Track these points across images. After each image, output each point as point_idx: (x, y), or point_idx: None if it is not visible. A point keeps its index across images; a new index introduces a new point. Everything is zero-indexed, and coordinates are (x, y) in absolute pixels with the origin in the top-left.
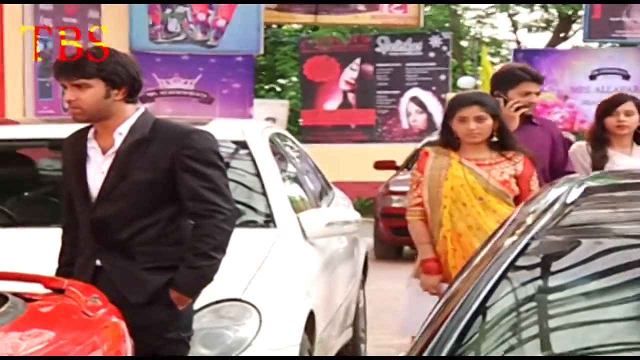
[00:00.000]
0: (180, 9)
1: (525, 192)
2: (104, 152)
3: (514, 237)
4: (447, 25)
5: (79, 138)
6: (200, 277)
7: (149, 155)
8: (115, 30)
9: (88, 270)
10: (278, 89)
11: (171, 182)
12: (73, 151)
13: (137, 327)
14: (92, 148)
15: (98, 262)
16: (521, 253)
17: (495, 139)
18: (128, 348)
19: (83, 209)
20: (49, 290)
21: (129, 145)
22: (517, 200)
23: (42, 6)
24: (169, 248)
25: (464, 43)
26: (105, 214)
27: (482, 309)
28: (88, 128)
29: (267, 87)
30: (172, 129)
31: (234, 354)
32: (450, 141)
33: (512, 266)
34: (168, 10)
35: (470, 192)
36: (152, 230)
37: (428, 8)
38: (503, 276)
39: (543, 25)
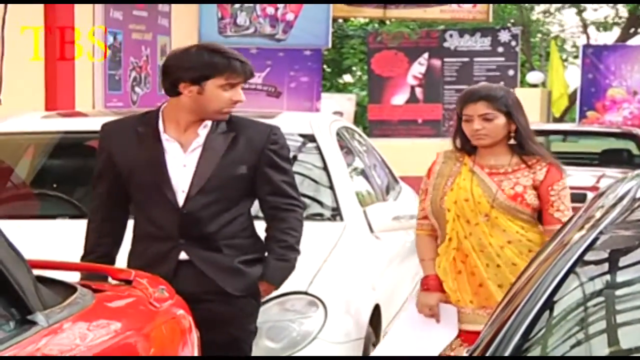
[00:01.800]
0: (249, 2)
1: (544, 203)
2: (182, 145)
3: (582, 232)
4: (514, 20)
5: (145, 131)
6: (289, 269)
7: (237, 149)
8: (185, 23)
9: (169, 264)
10: (343, 83)
11: (253, 177)
12: (141, 144)
13: (222, 318)
14: (167, 141)
15: (183, 256)
16: (589, 247)
17: (513, 141)
18: (194, 340)
19: (161, 203)
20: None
21: (216, 139)
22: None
23: None
24: (248, 240)
25: (532, 38)
26: (196, 208)
27: (549, 304)
28: (137, 118)
29: (332, 81)
30: (253, 124)
31: (299, 347)
32: (464, 144)
33: (580, 261)
34: (237, 4)
35: (475, 208)
36: (236, 223)
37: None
38: (571, 271)
39: (612, 21)
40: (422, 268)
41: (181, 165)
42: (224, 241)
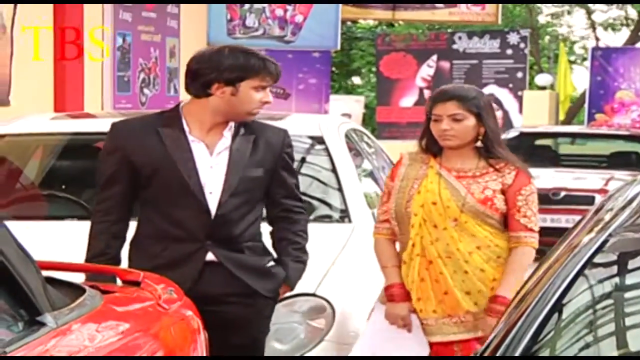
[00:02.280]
0: (258, 4)
1: (510, 208)
2: (208, 146)
3: (592, 234)
4: (523, 22)
5: (169, 132)
6: (303, 271)
7: (258, 152)
8: (194, 25)
9: (195, 265)
10: (352, 84)
11: (269, 179)
12: (165, 144)
13: (245, 320)
14: (193, 142)
15: (209, 257)
16: (599, 250)
17: (480, 144)
18: (202, 342)
19: (187, 204)
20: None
21: (241, 142)
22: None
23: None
24: (261, 243)
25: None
26: (228, 210)
27: (558, 306)
28: (154, 118)
29: (340, 83)
30: (268, 127)
31: (307, 349)
32: (430, 145)
33: (590, 263)
34: (246, 6)
35: (443, 212)
36: (255, 225)
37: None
38: (580, 273)
39: (621, 22)
40: (385, 276)
41: (208, 166)
42: (246, 243)
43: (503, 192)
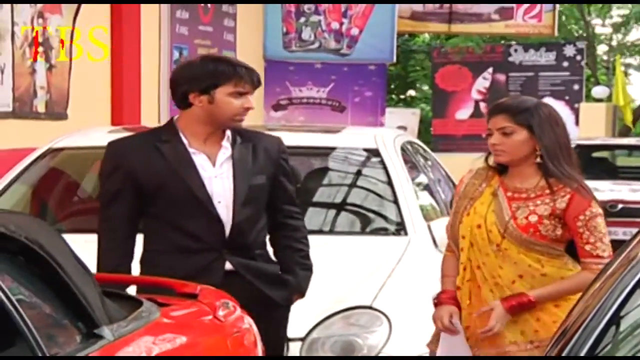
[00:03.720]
0: (314, 17)
1: (574, 235)
2: (209, 157)
3: None
4: (578, 34)
5: (168, 146)
6: (310, 278)
7: (259, 160)
8: (250, 38)
9: (215, 275)
10: (408, 99)
11: (271, 186)
12: (167, 159)
13: (265, 329)
14: (194, 154)
15: (227, 266)
16: None
17: (539, 160)
18: (259, 354)
19: (198, 215)
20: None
21: (241, 150)
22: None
23: (178, 14)
24: (266, 250)
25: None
26: (242, 218)
27: (616, 319)
28: (151, 134)
29: (397, 96)
30: (262, 135)
31: None
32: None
33: None
34: (302, 19)
35: (486, 237)
36: (263, 233)
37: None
38: (638, 285)
39: None
40: (441, 285)
41: (212, 176)
42: (257, 251)
43: (557, 216)
